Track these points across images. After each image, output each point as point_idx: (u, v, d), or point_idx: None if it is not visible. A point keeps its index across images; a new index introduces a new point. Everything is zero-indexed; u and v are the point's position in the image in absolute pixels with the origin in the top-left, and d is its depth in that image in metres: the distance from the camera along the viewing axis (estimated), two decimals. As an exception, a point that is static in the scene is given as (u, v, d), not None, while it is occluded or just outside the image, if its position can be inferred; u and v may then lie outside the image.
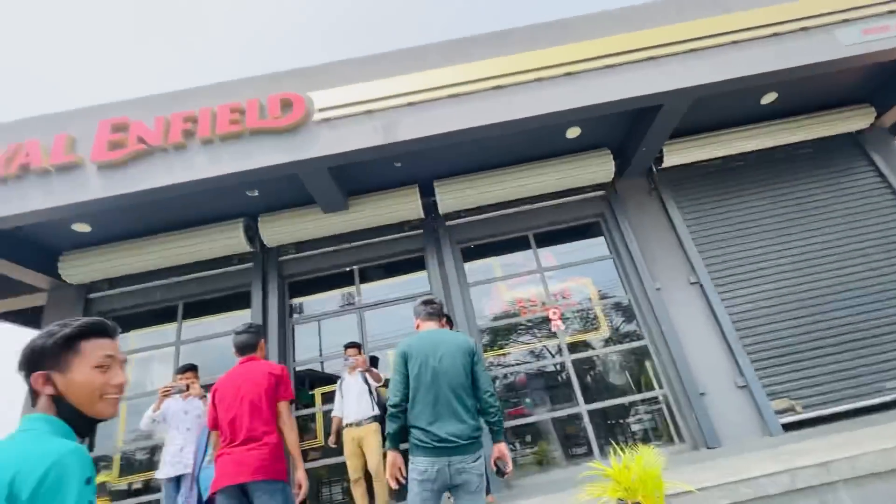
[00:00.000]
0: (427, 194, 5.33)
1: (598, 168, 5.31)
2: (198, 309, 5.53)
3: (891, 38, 4.29)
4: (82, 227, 4.91)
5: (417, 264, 5.56)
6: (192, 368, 4.12)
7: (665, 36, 4.39)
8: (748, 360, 4.60)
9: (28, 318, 6.24)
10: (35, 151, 4.19)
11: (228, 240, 5.18)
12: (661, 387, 4.81)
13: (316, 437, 4.91)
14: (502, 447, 2.32)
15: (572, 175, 5.31)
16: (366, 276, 5.59)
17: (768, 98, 5.15)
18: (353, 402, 4.05)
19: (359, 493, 3.91)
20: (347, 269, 5.56)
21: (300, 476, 2.43)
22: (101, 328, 1.07)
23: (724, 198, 5.45)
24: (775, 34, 4.36)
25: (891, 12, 4.38)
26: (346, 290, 5.58)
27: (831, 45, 4.29)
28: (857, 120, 5.45)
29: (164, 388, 3.83)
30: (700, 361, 4.68)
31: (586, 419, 4.66)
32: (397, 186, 5.29)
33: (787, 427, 4.34)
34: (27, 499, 0.81)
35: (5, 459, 0.87)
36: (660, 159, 5.39)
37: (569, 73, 4.32)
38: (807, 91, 5.15)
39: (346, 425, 3.99)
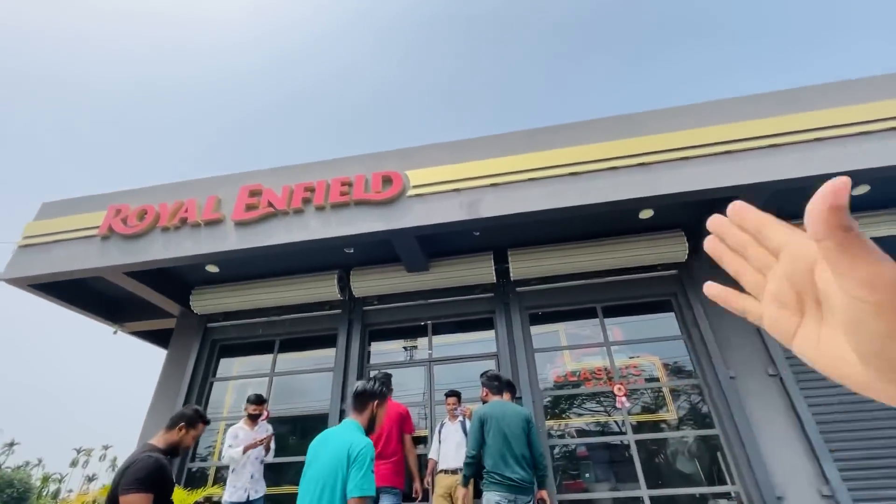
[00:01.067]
0: (501, 261, 5.77)
1: (671, 248, 5.43)
2: (290, 345, 6.31)
3: None
4: (213, 269, 5.96)
5: (486, 324, 5.92)
6: (265, 400, 4.69)
7: (743, 131, 4.58)
8: (834, 466, 4.28)
9: (157, 337, 7.46)
10: (192, 208, 5.29)
11: (323, 288, 5.95)
12: (732, 482, 4.58)
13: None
14: (544, 493, 3.44)
15: (644, 253, 5.47)
16: (438, 331, 6.04)
17: (860, 190, 5.03)
18: (451, 449, 4.29)
19: None
20: (422, 323, 6.07)
21: (417, 485, 3.70)
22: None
23: (809, 287, 5.25)
24: (864, 132, 4.38)
25: None
26: (418, 341, 6.06)
27: (928, 145, 4.21)
28: (969, 216, 5.08)
29: (253, 444, 4.23)
30: (778, 461, 4.43)
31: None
32: (474, 252, 5.80)
33: (883, 551, 3.93)
34: (353, 459, 1.91)
35: (346, 436, 2.05)
36: (737, 243, 5.38)
37: (642, 164, 4.64)
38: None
39: (442, 471, 4.24)
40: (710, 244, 0.38)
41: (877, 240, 5.19)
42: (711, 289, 0.39)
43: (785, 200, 4.90)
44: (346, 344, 5.89)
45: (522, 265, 5.63)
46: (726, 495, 4.62)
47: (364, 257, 5.90)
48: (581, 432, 5.25)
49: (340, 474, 1.92)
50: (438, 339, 6.02)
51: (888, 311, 0.24)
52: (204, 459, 5.76)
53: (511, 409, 3.52)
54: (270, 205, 5.15)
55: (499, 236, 5.60)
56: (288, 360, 6.27)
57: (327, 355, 6.13)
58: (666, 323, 5.64)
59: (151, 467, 2.14)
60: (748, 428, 4.58)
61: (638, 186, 4.55)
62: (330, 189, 5.13)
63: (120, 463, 2.36)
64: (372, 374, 2.97)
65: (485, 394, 3.81)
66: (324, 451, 2.06)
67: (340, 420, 5.30)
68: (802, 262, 0.30)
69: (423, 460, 4.78)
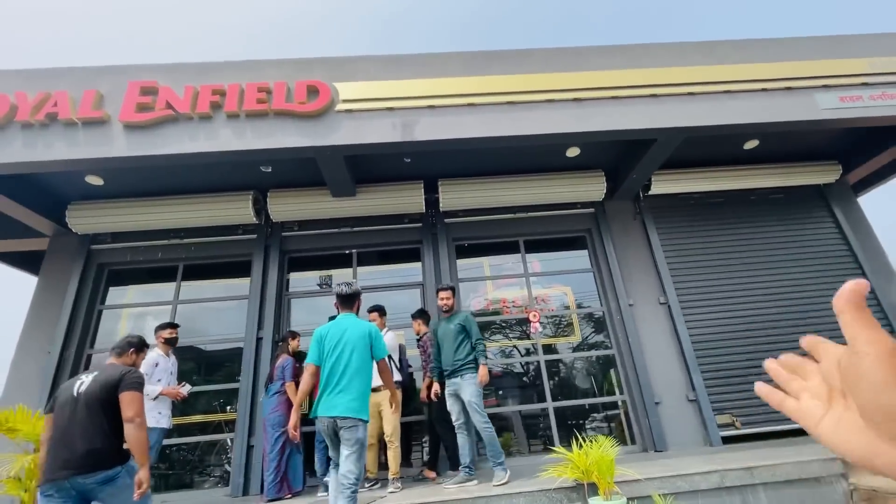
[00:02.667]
0: (430, 191, 5.66)
1: (591, 187, 5.74)
2: (197, 272, 5.74)
3: (862, 108, 4.81)
4: (95, 180, 5.06)
5: (412, 255, 5.89)
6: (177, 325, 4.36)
7: (667, 76, 4.81)
8: (700, 376, 5.13)
9: (24, 260, 6.31)
10: (63, 102, 4.33)
11: (236, 210, 5.40)
12: (621, 393, 5.30)
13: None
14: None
15: (567, 191, 5.72)
16: (362, 261, 5.89)
17: (750, 144, 5.67)
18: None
19: (370, 457, 4.17)
20: (347, 251, 5.85)
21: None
22: None
23: (700, 229, 5.96)
24: (764, 89, 4.83)
25: (864, 84, 4.90)
26: (342, 271, 5.87)
27: (810, 106, 4.79)
28: (825, 174, 6.02)
29: (173, 393, 4.00)
30: (659, 374, 5.19)
31: (551, 415, 5.11)
32: (403, 180, 5.60)
33: (727, 440, 4.88)
34: (374, 335, 2.99)
35: (358, 322, 3.03)
36: (647, 186, 5.86)
37: (577, 99, 4.70)
38: (785, 142, 5.69)
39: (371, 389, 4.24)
40: (760, 388, 0.47)
41: (758, 190, 5.96)
42: (762, 389, 0.47)
43: (695, 147, 5.36)
44: (263, 271, 5.50)
45: (452, 196, 5.59)
46: (615, 404, 5.36)
47: (283, 178, 5.41)
48: (498, 357, 5.62)
49: (366, 343, 2.97)
50: (363, 269, 5.88)
51: (885, 361, 0.33)
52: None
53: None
54: (170, 106, 4.39)
55: (430, 165, 5.44)
56: (194, 287, 5.73)
57: (239, 283, 5.71)
58: (579, 257, 6.09)
59: (142, 377, 2.57)
60: (639, 347, 5.26)
61: (572, 121, 4.63)
62: (244, 95, 4.49)
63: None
64: (342, 283, 3.02)
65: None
66: (345, 331, 2.95)
67: (257, 349, 5.07)
68: (832, 358, 0.40)
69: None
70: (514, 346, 5.73)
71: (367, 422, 2.82)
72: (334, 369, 2.82)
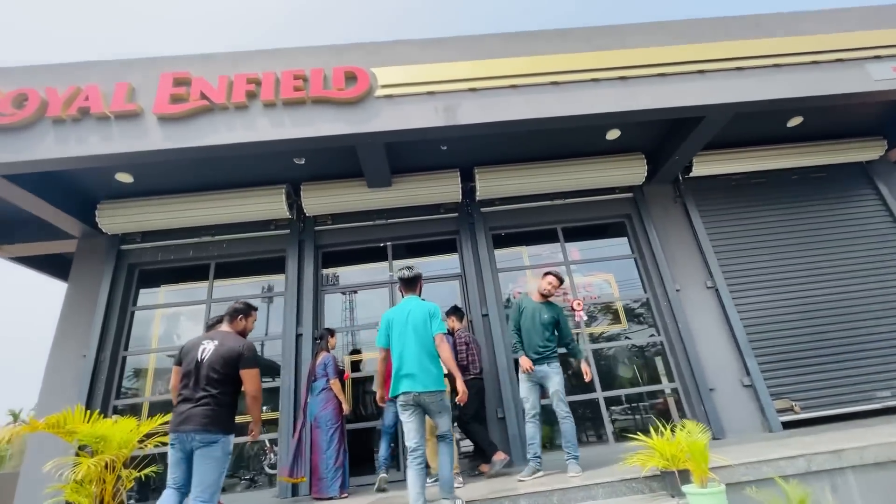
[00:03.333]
0: (466, 179, 5.51)
1: (631, 171, 5.58)
2: (229, 270, 5.60)
3: (916, 78, 4.64)
4: (125, 178, 4.92)
5: (449, 246, 5.74)
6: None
7: (714, 52, 4.64)
8: (755, 361, 4.96)
9: (48, 264, 6.18)
10: (95, 96, 4.18)
11: (268, 204, 5.25)
12: (672, 381, 5.14)
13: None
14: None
15: (606, 175, 5.56)
16: (398, 254, 5.74)
17: (794, 121, 5.50)
18: None
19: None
20: (382, 244, 5.70)
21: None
22: None
23: (743, 210, 5.79)
24: (814, 62, 4.66)
25: (917, 54, 4.73)
26: (378, 264, 5.72)
27: (863, 77, 4.62)
28: (869, 150, 5.85)
29: None
30: (711, 360, 5.02)
31: (602, 406, 4.95)
32: (439, 169, 5.44)
33: (786, 426, 4.72)
34: (433, 314, 3.13)
35: (421, 303, 3.21)
36: (688, 168, 5.70)
37: (623, 78, 4.54)
38: (829, 118, 5.52)
39: None
40: None
41: (800, 169, 5.79)
42: None
43: (737, 126, 5.20)
44: (298, 267, 5.35)
45: (489, 183, 5.43)
46: (664, 392, 5.20)
47: (316, 170, 5.26)
48: (541, 346, 5.46)
49: (426, 323, 3.12)
50: (399, 263, 5.72)
51: None
52: (126, 395, 5.05)
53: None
54: (204, 97, 4.24)
55: (466, 152, 5.29)
56: (227, 286, 5.58)
57: (273, 280, 5.57)
58: (619, 244, 5.93)
59: (253, 348, 2.86)
60: (689, 333, 5.10)
61: (619, 100, 4.46)
62: (280, 83, 4.34)
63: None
64: (403, 268, 3.38)
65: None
66: (408, 313, 3.14)
67: (297, 345, 4.93)
68: None
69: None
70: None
71: (444, 391, 3.04)
72: (406, 349, 3.02)
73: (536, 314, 3.97)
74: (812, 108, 5.13)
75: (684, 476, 2.81)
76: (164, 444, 3.21)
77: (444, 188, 5.39)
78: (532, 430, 3.74)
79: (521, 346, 3.95)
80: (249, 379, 2.71)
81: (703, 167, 5.62)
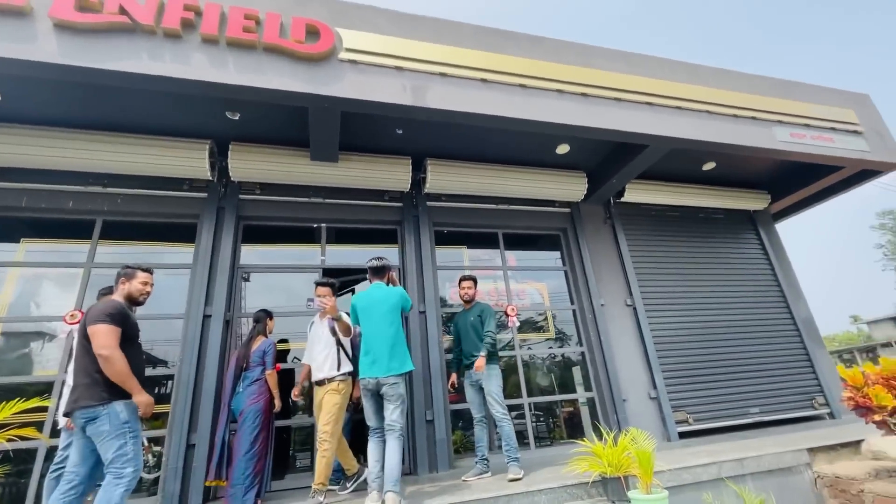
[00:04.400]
0: (416, 169, 5.27)
1: (573, 187, 5.81)
2: (121, 231, 4.63)
3: (805, 145, 5.50)
4: (-12, 94, 3.81)
5: (389, 237, 5.42)
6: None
7: (661, 88, 5.03)
8: (661, 375, 5.42)
9: None
10: (-38, -24, 3.17)
11: (187, 160, 4.46)
12: (588, 390, 5.39)
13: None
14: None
15: (550, 187, 5.72)
16: (333, 238, 5.26)
17: (708, 165, 6.21)
18: (318, 356, 3.59)
19: (342, 451, 3.67)
20: (315, 225, 5.18)
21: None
22: None
23: (660, 239, 6.37)
24: (735, 115, 5.30)
25: (806, 125, 5.63)
26: (308, 247, 5.18)
27: (769, 136, 5.36)
28: (757, 201, 6.85)
29: None
30: (625, 372, 5.37)
31: (526, 411, 5.01)
32: (391, 154, 5.13)
33: (681, 435, 5.21)
34: (404, 296, 3.43)
35: (390, 289, 3.48)
36: (619, 193, 6.11)
37: (584, 94, 4.69)
38: (733, 169, 6.35)
39: (315, 382, 3.65)
40: None
41: (705, 209, 6.51)
42: None
43: (665, 162, 5.70)
44: (214, 237, 4.61)
45: (439, 177, 5.25)
46: (580, 400, 5.44)
47: (249, 130, 4.62)
48: (471, 349, 5.38)
49: (398, 304, 3.37)
50: (333, 248, 5.25)
51: None
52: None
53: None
54: (125, 12, 3.44)
55: (420, 141, 5.06)
56: (116, 250, 4.60)
57: (181, 249, 4.74)
58: (551, 257, 6.13)
59: (117, 306, 2.57)
60: (609, 346, 5.40)
61: (579, 114, 4.59)
62: (228, 19, 3.71)
63: None
64: (373, 258, 3.66)
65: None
66: (380, 297, 3.36)
67: (203, 329, 4.25)
68: None
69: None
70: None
71: (404, 375, 3.20)
72: (372, 334, 3.21)
73: (464, 320, 4.07)
74: (725, 155, 5.86)
75: (627, 482, 2.86)
76: (21, 437, 2.56)
77: (393, 174, 5.08)
78: (479, 433, 3.67)
79: (453, 360, 4.18)
80: (93, 335, 2.44)
81: (634, 193, 6.07)
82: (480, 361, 3.72)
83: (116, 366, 2.40)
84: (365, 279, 5.62)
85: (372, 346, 3.17)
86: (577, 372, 5.63)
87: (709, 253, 6.55)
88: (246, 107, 4.24)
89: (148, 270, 2.87)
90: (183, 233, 4.73)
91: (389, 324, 3.23)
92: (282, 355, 4.72)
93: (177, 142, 4.45)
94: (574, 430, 5.38)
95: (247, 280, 4.90)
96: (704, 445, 4.60)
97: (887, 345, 21.60)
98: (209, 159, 4.54)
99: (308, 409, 4.84)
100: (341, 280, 5.08)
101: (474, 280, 4.16)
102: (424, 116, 4.21)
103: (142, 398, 2.46)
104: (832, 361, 6.43)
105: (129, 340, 2.58)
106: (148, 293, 2.83)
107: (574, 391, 5.50)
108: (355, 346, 3.82)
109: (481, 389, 3.79)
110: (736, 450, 3.88)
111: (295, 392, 3.75)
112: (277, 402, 3.66)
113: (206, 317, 4.29)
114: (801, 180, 6.58)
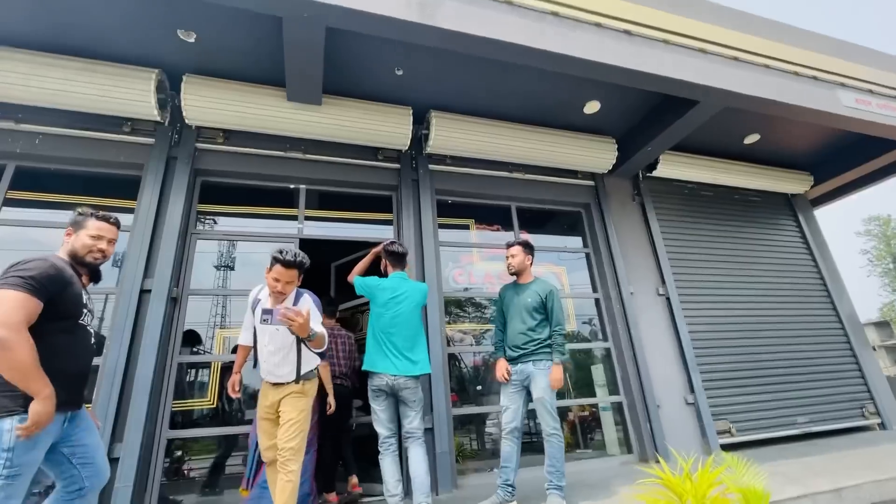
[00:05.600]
0: (416, 124, 4.37)
1: (600, 155, 4.96)
2: (36, 181, 3.63)
3: (871, 112, 4.72)
4: None
5: (381, 204, 4.50)
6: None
7: (714, 35, 4.19)
8: (700, 378, 4.61)
9: None
10: None
11: (126, 91, 3.49)
12: (614, 393, 4.55)
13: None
14: None
15: (574, 153, 4.86)
16: (312, 202, 4.32)
17: (751, 138, 5.41)
18: (272, 356, 2.48)
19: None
20: (293, 186, 4.24)
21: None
22: None
23: (694, 221, 5.56)
24: (796, 73, 4.49)
25: (870, 91, 4.86)
26: (282, 213, 4.24)
27: (834, 100, 4.57)
28: (798, 183, 6.06)
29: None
30: (658, 373, 4.54)
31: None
32: (387, 101, 4.20)
33: (723, 448, 4.40)
34: (425, 292, 3.14)
35: (415, 282, 3.16)
36: (651, 166, 5.28)
37: (627, 32, 3.83)
38: (778, 144, 5.56)
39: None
40: None
41: (742, 190, 5.72)
42: None
43: (717, 128, 4.87)
44: (160, 194, 3.64)
45: (445, 133, 4.34)
46: (602, 406, 4.61)
47: (209, 59, 3.66)
48: (477, 343, 4.51)
49: (422, 303, 3.10)
50: (312, 213, 4.31)
51: None
52: None
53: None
54: None
55: (423, 87, 4.16)
56: (29, 205, 3.61)
57: (119, 206, 3.77)
58: (572, 239, 5.28)
59: (43, 266, 1.69)
60: (640, 342, 4.57)
61: (622, 54, 3.72)
62: None
63: None
64: (395, 242, 3.21)
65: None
66: (408, 291, 3.01)
67: (139, 306, 3.29)
68: None
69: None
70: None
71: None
72: (394, 326, 2.83)
73: (515, 297, 3.12)
74: (774, 125, 5.10)
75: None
76: None
77: (389, 126, 4.16)
78: (508, 450, 2.82)
79: (502, 344, 3.13)
80: None
81: (668, 167, 5.24)
82: (557, 372, 2.85)
83: (13, 354, 1.53)
84: (349, 259, 4.75)
85: (394, 339, 2.79)
86: (597, 372, 4.78)
87: (746, 239, 5.76)
88: (204, 22, 3.27)
89: (106, 219, 1.99)
90: (123, 187, 3.75)
91: (417, 321, 2.94)
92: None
93: (114, 68, 3.47)
94: (588, 438, 4.56)
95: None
96: (766, 464, 3.77)
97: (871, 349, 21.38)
98: (156, 94, 3.56)
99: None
100: (316, 261, 4.18)
101: (524, 245, 3.21)
102: (435, 41, 3.30)
103: (38, 406, 1.57)
104: (880, 365, 5.69)
105: (61, 321, 1.75)
106: (102, 252, 1.96)
107: (593, 394, 4.66)
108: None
109: (527, 394, 2.91)
110: (809, 473, 3.08)
111: (233, 386, 2.61)
112: (332, 400, 3.19)
113: (145, 291, 3.33)
114: (848, 160, 5.83)
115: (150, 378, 3.11)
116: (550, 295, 3.00)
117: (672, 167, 5.26)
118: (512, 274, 3.24)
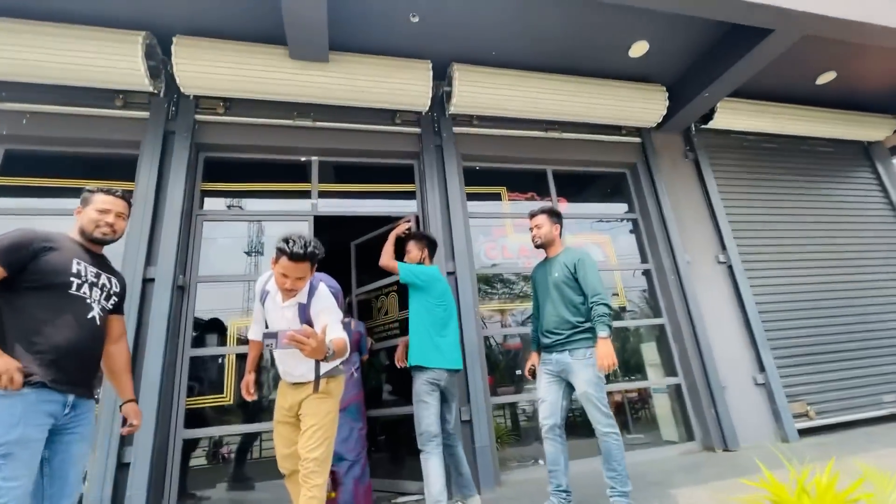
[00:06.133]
0: (438, 79, 3.85)
1: (648, 105, 4.34)
2: (28, 165, 3.34)
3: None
4: None
5: (403, 174, 4.05)
6: None
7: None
8: (770, 354, 4.05)
9: None
10: None
11: (114, 60, 3.11)
12: (671, 374, 4.07)
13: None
14: None
15: (619, 105, 4.25)
16: (326, 176, 3.91)
17: (825, 77, 4.64)
18: (288, 356, 2.09)
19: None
20: (303, 158, 3.83)
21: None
22: None
23: (756, 177, 4.89)
24: (891, -11, 3.71)
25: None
26: (293, 186, 3.85)
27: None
28: (878, 127, 5.25)
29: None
30: (721, 351, 4.02)
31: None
32: (402, 55, 3.70)
33: (801, 433, 3.88)
34: None
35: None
36: (707, 117, 4.61)
37: (687, -52, 3.17)
38: (858, 81, 4.75)
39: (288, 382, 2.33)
40: None
41: (811, 140, 4.98)
42: None
43: (786, 66, 4.16)
44: (159, 175, 3.30)
45: (469, 88, 3.82)
46: (655, 388, 4.13)
47: (202, 16, 3.22)
48: (515, 324, 4.07)
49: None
50: (325, 188, 3.90)
51: None
52: None
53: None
54: None
55: (442, 34, 3.61)
56: (19, 193, 3.34)
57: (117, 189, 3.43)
58: (618, 204, 4.71)
59: (8, 235, 1.61)
60: (699, 317, 4.03)
61: (682, -25, 3.09)
62: None
63: None
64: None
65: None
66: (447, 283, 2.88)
67: (143, 296, 2.98)
68: None
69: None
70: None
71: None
72: (443, 318, 2.67)
73: (543, 275, 2.66)
74: (854, 59, 4.32)
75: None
76: None
77: (406, 83, 3.66)
78: (552, 451, 2.42)
79: (536, 334, 2.71)
80: None
81: (726, 116, 4.56)
82: (605, 346, 2.28)
83: None
84: (369, 237, 4.33)
85: (448, 332, 2.66)
86: (648, 350, 4.29)
87: (817, 196, 5.04)
88: (187, -31, 2.83)
89: (112, 192, 1.87)
90: (121, 168, 3.42)
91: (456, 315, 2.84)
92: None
93: (95, 31, 3.09)
94: (636, 420, 4.11)
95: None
96: (861, 454, 3.25)
97: None
98: (146, 61, 3.17)
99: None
100: (333, 241, 3.81)
101: (550, 213, 2.69)
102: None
103: None
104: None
105: (41, 290, 1.61)
106: (111, 227, 1.83)
107: (644, 375, 4.17)
108: None
109: (567, 385, 2.47)
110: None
111: (247, 387, 2.24)
112: None
113: (148, 280, 3.02)
114: (943, 97, 4.97)
115: (158, 375, 2.83)
116: (580, 263, 2.47)
117: (731, 116, 4.58)
118: (538, 247, 2.74)
